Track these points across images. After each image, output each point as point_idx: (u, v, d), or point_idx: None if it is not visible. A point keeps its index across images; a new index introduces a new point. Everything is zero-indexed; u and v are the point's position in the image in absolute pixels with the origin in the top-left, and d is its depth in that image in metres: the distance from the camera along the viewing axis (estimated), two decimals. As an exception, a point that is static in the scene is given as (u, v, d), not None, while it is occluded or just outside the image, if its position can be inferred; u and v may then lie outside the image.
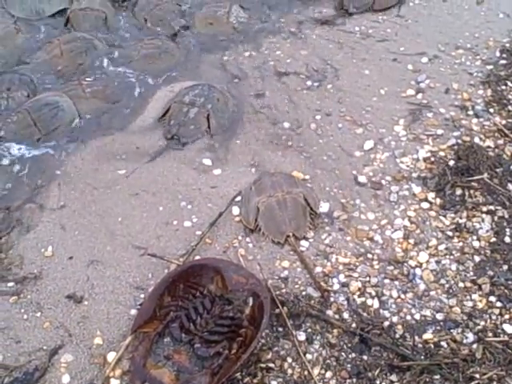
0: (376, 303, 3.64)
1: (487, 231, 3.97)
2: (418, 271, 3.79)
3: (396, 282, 3.75)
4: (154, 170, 4.57)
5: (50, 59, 5.51)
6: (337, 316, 3.58)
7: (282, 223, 4.03)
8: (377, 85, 5.12)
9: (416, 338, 3.45)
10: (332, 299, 3.67)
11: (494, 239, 3.92)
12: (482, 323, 3.50)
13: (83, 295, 3.79)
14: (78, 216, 4.29)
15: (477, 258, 3.83)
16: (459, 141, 4.53)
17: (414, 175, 4.36)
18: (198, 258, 3.93)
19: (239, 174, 4.47)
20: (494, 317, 3.53)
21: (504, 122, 4.65)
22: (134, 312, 3.67)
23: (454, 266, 3.80)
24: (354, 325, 3.52)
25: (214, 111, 4.90)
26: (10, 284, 3.89)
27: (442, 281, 3.74)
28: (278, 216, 4.05)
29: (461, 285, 3.70)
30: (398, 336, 3.46)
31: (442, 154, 4.47)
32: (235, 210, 4.22)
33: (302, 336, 3.49)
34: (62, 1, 6.20)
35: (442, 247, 3.91)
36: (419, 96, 4.96)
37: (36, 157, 4.72)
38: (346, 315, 3.58)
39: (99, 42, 5.63)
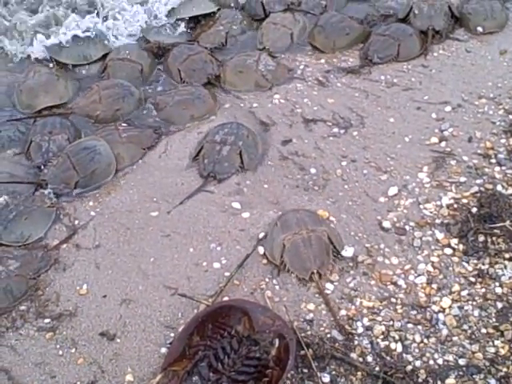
0: (399, 347, 3.71)
1: (510, 278, 4.02)
2: (440, 316, 3.85)
3: (419, 327, 3.81)
4: (185, 212, 4.75)
5: (89, 104, 5.77)
6: (361, 359, 3.66)
7: (306, 260, 4.16)
8: (401, 132, 5.23)
9: (438, 382, 3.50)
10: (356, 342, 3.75)
11: (516, 286, 3.97)
12: (505, 369, 3.53)
13: (116, 333, 3.94)
14: (111, 255, 4.48)
15: (499, 305, 3.88)
16: (482, 188, 4.61)
17: (438, 221, 4.44)
18: (226, 298, 4.05)
19: (267, 218, 4.60)
20: (516, 363, 3.57)
21: (526, 170, 4.72)
22: (164, 350, 3.80)
23: (476, 312, 3.86)
24: (377, 368, 3.59)
25: (245, 147, 5.12)
26: (47, 320, 4.06)
27: (465, 326, 3.79)
28: (303, 253, 4.19)
29: (483, 331, 3.75)
30: (420, 380, 3.52)
31: (464, 201, 4.55)
32: (262, 251, 4.36)
33: (326, 378, 3.58)
34: (104, 46, 6.55)
35: (464, 293, 3.97)
36: (443, 144, 5.05)
37: (73, 199, 4.95)
38: (369, 358, 3.66)
39: (136, 90, 5.89)
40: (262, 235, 4.47)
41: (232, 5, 7.10)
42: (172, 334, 3.89)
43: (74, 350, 3.87)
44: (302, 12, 6.81)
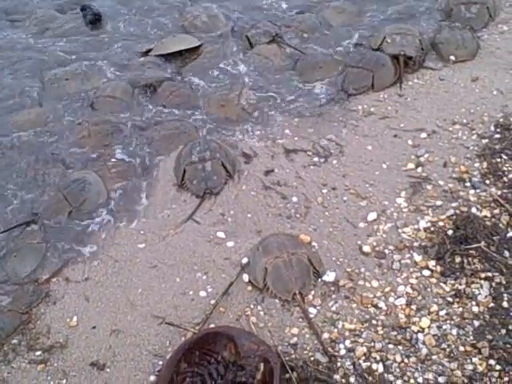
0: (380, 367, 3.82)
1: (486, 297, 4.15)
2: (420, 336, 3.98)
3: (399, 347, 3.94)
4: (171, 243, 4.89)
5: (79, 139, 5.96)
6: (344, 380, 3.77)
7: (288, 282, 4.33)
8: (379, 159, 5.40)
9: (419, 400, 3.63)
10: (339, 364, 3.87)
11: (492, 304, 4.09)
12: (482, 386, 3.66)
13: (106, 363, 4.05)
14: (100, 287, 4.60)
15: (476, 323, 4.01)
16: (457, 211, 4.77)
17: (416, 244, 4.59)
18: (212, 325, 4.17)
19: (250, 246, 4.74)
20: (493, 380, 3.68)
21: (499, 192, 4.87)
22: (152, 378, 3.91)
23: (454, 331, 3.99)
24: (359, 388, 3.71)
25: (223, 157, 5.43)
26: (38, 353, 4.17)
27: (444, 345, 3.91)
28: (285, 275, 4.36)
29: (461, 349, 3.87)
30: (401, 399, 3.65)
31: (441, 224, 4.71)
32: (247, 278, 4.49)
33: (310, 400, 3.69)
34: (98, 77, 6.81)
35: (442, 313, 4.11)
36: (419, 169, 5.22)
37: (63, 232, 5.08)
38: (352, 379, 3.77)
39: (124, 126, 6.08)
40: (245, 262, 4.61)
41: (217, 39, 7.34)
42: (160, 362, 4.00)
43: (65, 381, 3.97)
44: (286, 44, 7.05)
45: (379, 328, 4.07)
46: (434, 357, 3.86)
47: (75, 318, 4.38)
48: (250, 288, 4.44)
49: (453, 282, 4.29)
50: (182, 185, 5.37)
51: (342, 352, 3.94)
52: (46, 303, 4.52)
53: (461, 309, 4.12)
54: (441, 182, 5.08)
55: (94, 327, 4.30)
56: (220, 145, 5.59)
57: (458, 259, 4.41)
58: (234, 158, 5.52)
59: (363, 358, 3.89)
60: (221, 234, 4.90)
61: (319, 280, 4.42)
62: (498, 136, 5.43)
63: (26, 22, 8.17)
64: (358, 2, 7.69)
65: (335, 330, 4.08)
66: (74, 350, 4.16)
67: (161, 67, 6.96)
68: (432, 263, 4.44)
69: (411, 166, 5.28)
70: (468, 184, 5.03)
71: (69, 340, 4.24)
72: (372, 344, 3.97)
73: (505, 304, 4.08)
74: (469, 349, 3.87)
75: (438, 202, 4.90)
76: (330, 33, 7.25)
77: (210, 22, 7.53)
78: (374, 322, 4.12)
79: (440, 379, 3.72)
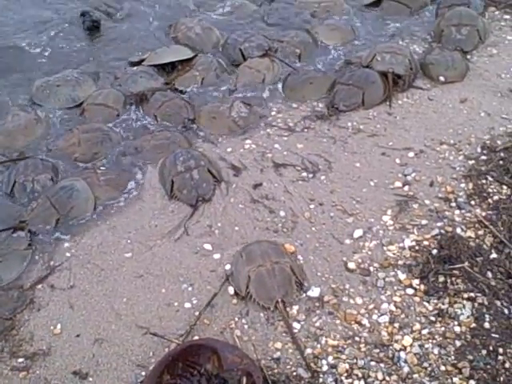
0: (362, 384, 3.86)
1: (468, 317, 4.20)
2: (402, 354, 4.01)
3: (381, 365, 3.96)
4: (158, 253, 4.90)
5: (68, 147, 5.96)
6: (325, 396, 3.81)
7: (271, 290, 4.38)
8: (367, 177, 5.46)
9: (399, 418, 3.67)
10: (321, 380, 3.89)
11: (474, 325, 4.14)
12: (462, 406, 3.71)
13: (88, 372, 4.04)
14: (85, 296, 4.59)
15: (458, 343, 4.05)
16: (442, 231, 4.83)
17: (400, 263, 4.64)
18: (196, 337, 4.19)
19: (237, 258, 4.77)
20: (473, 400, 3.73)
21: (484, 213, 4.94)
22: (135, 389, 3.91)
23: (436, 350, 4.02)
24: (340, 405, 3.74)
25: (208, 164, 5.52)
26: (20, 360, 4.15)
27: (425, 364, 3.95)
28: (268, 284, 4.41)
29: (442, 368, 3.91)
30: (382, 416, 3.68)
31: (426, 243, 4.76)
32: (232, 291, 4.51)
33: (292, 415, 3.71)
34: (91, 85, 6.81)
35: (425, 331, 4.15)
36: (406, 188, 5.28)
37: (50, 240, 5.07)
38: (333, 396, 3.82)
39: (114, 134, 6.11)
40: (228, 269, 4.68)
41: (210, 52, 7.40)
42: (143, 373, 4.00)
43: (46, 389, 3.96)
44: (278, 58, 7.11)
45: (362, 345, 4.10)
46: (416, 375, 3.89)
47: (59, 326, 4.37)
48: (235, 301, 4.45)
49: (436, 301, 4.34)
50: (172, 196, 5.39)
51: (325, 368, 3.96)
52: (31, 310, 4.51)
53: (443, 328, 4.16)
54: (427, 202, 5.14)
55: (77, 335, 4.29)
56: (201, 152, 5.70)
57: (441, 279, 4.46)
58: (216, 164, 5.65)
59: (345, 374, 3.91)
60: (208, 246, 4.92)
61: (304, 295, 4.45)
62: (484, 158, 5.52)
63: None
64: (352, 21, 7.77)
65: (318, 346, 4.11)
66: (56, 358, 4.15)
67: (153, 77, 6.98)
68: (416, 282, 4.48)
69: (398, 184, 5.34)
70: (453, 204, 5.09)
71: (52, 348, 4.22)
72: (354, 361, 3.99)
73: (486, 325, 4.13)
74: (450, 368, 3.91)
75: (424, 221, 4.96)
76: (322, 49, 7.32)
77: (203, 34, 7.57)
78: (357, 338, 4.15)
79: (421, 398, 3.77)
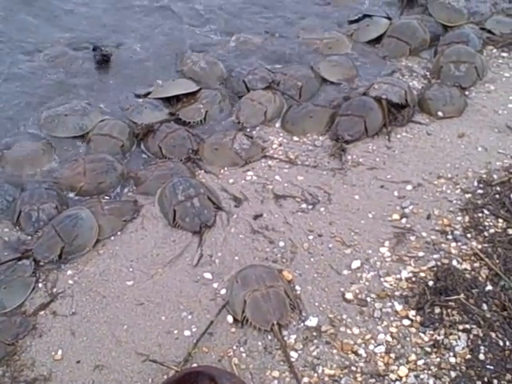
0: (358, 414, 3.92)
1: (463, 348, 4.26)
2: (397, 384, 4.08)
3: (377, 395, 4.04)
4: (159, 281, 4.98)
5: (73, 176, 6.09)
6: (321, 425, 3.86)
7: (267, 313, 4.51)
8: (365, 209, 5.55)
9: None
10: (317, 408, 3.96)
11: (469, 356, 4.20)
12: None
13: (88, 398, 4.11)
14: (87, 323, 4.67)
15: (453, 374, 4.11)
16: (438, 263, 4.90)
17: (397, 294, 4.71)
18: (195, 365, 4.25)
19: (237, 288, 4.85)
20: (467, 431, 3.78)
21: (480, 246, 5.02)
22: (133, 415, 3.98)
23: (431, 381, 4.07)
24: (336, 434, 3.79)
25: (206, 192, 5.65)
26: (21, 385, 4.23)
27: (420, 395, 4.02)
28: (263, 307, 4.54)
29: (437, 399, 3.98)
30: None
31: (422, 274, 4.83)
32: (231, 320, 4.59)
33: None
34: (98, 115, 6.96)
35: (420, 362, 4.20)
36: (403, 220, 5.37)
37: (52, 267, 5.18)
38: (329, 425, 3.87)
39: (119, 165, 6.23)
40: (224, 293, 4.79)
41: (215, 85, 7.57)
42: (142, 400, 4.07)
43: (46, 415, 4.01)
44: (280, 91, 7.27)
45: (358, 375, 4.16)
46: (411, 406, 3.95)
47: (60, 352, 4.44)
48: (233, 330, 4.53)
49: (432, 332, 4.40)
50: (175, 225, 5.50)
51: (321, 397, 4.02)
52: (33, 336, 4.59)
53: (438, 359, 4.22)
54: (424, 234, 5.23)
55: (78, 362, 4.36)
56: (199, 180, 5.86)
57: (437, 310, 4.53)
58: (215, 191, 5.82)
59: (341, 403, 3.98)
60: (208, 275, 5.00)
61: (301, 324, 4.52)
62: (480, 191, 5.60)
63: (39, 55, 8.30)
64: (353, 57, 7.96)
65: (315, 375, 4.17)
66: (57, 384, 4.22)
67: (158, 108, 7.14)
68: (412, 313, 4.54)
69: (396, 216, 5.43)
70: (450, 237, 5.17)
71: (53, 373, 4.29)
72: (350, 390, 4.05)
73: (481, 356, 4.19)
74: (444, 399, 3.97)
75: (421, 253, 5.04)
76: (323, 84, 7.49)
77: (208, 68, 7.77)
78: (353, 368, 4.20)
79: (415, 428, 3.81)
